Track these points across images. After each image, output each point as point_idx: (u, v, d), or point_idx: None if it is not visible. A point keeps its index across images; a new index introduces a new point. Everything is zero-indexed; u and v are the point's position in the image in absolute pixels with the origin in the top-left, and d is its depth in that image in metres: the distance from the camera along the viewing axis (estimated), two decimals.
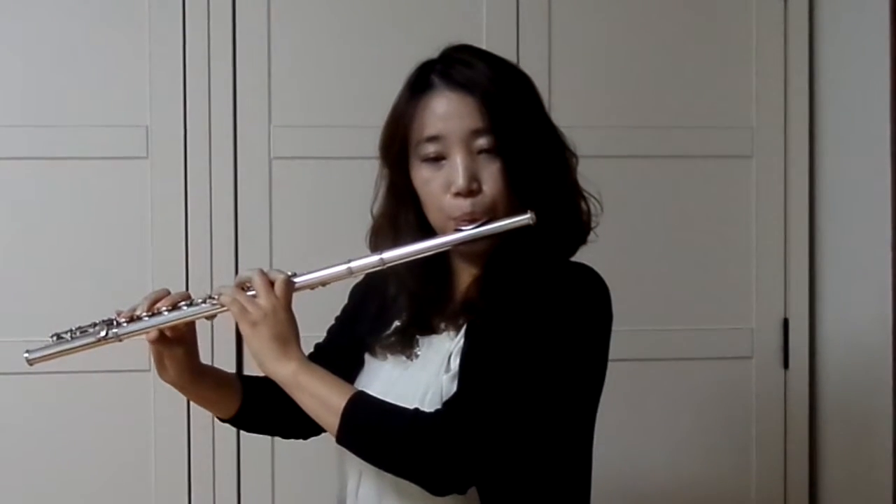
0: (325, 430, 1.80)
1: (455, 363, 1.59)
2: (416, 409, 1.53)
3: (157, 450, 2.60)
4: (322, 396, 1.54)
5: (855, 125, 2.67)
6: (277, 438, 2.49)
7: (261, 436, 2.48)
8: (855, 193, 2.67)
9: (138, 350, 2.49)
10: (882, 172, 2.50)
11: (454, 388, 1.55)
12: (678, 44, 2.77)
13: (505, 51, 2.59)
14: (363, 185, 2.52)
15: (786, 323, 2.79)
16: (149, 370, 2.56)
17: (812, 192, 2.80)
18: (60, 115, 2.58)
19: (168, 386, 2.51)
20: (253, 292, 1.57)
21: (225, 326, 2.52)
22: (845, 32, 2.71)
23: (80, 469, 2.59)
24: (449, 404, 1.52)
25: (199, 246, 2.59)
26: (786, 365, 2.79)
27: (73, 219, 2.59)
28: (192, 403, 2.53)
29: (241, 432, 2.56)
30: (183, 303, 1.62)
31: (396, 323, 1.72)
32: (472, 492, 1.56)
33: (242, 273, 1.62)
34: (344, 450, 1.63)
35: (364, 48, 2.67)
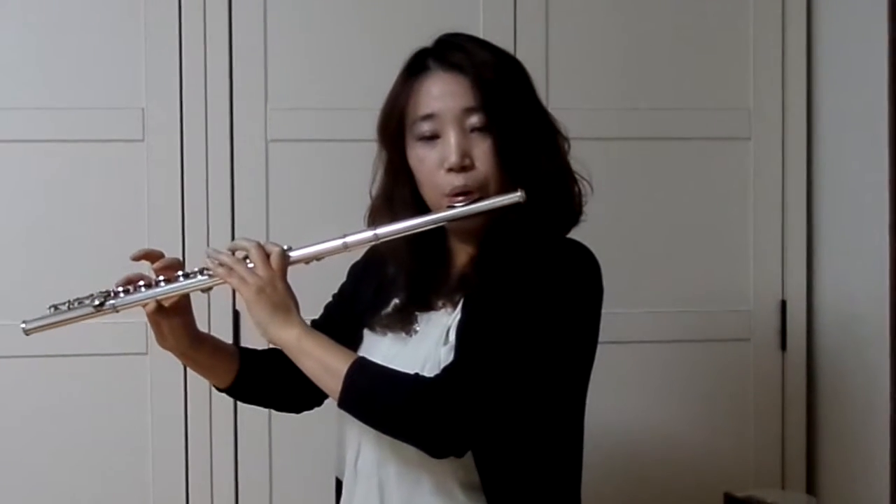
0: (317, 405, 1.89)
1: (453, 336, 1.63)
2: (417, 374, 1.59)
3: (154, 433, 2.60)
4: (325, 361, 1.60)
5: (852, 107, 2.66)
6: (275, 419, 2.53)
7: (258, 419, 2.51)
8: (852, 175, 2.67)
9: (135, 333, 2.52)
10: (879, 155, 2.50)
11: (452, 358, 1.59)
12: (675, 26, 2.76)
13: (502, 33, 2.60)
14: (360, 168, 2.52)
15: (783, 304, 2.79)
16: (146, 353, 2.57)
17: (809, 174, 2.79)
18: (56, 97, 2.57)
19: (164, 370, 2.55)
20: (251, 264, 1.62)
21: (223, 300, 2.53)
22: (843, 14, 2.70)
23: (76, 451, 2.58)
24: (448, 369, 1.57)
25: (195, 228, 2.59)
26: (783, 346, 2.79)
27: (68, 201, 2.58)
28: (188, 386, 2.58)
29: (239, 414, 2.59)
30: (179, 273, 1.66)
31: (395, 301, 1.76)
32: (468, 458, 1.60)
33: (238, 241, 1.67)
34: (343, 421, 1.71)
35: (360, 30, 2.66)
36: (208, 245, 2.57)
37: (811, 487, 2.81)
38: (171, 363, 2.51)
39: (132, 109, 2.58)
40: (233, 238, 2.59)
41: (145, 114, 2.59)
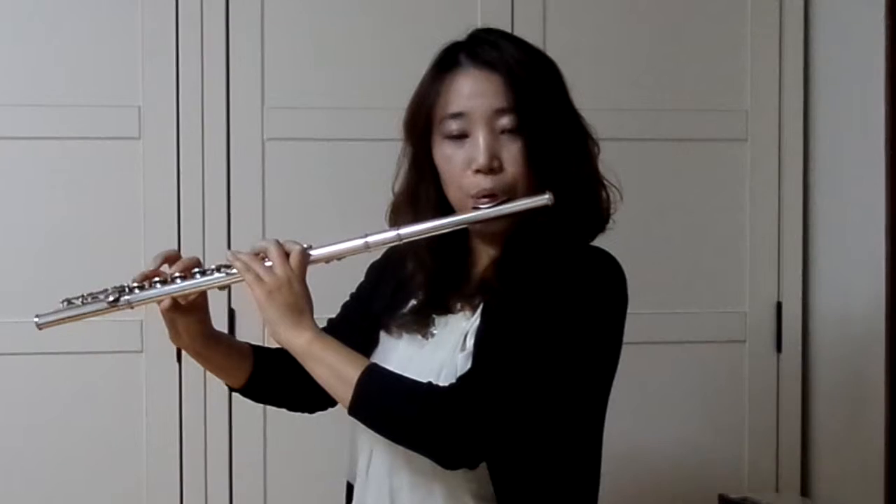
0: (331, 406, 1.82)
1: (471, 342, 1.59)
2: (430, 383, 1.54)
3: (149, 432, 2.59)
4: (336, 367, 1.55)
5: (849, 109, 2.67)
6: (270, 418, 2.52)
7: (253, 417, 2.51)
8: (849, 177, 2.67)
9: (131, 331, 2.51)
10: (876, 156, 2.51)
11: (469, 366, 1.55)
12: (672, 27, 2.76)
13: None
14: (357, 167, 2.52)
15: (779, 306, 2.79)
16: (141, 351, 2.57)
17: (806, 176, 2.80)
18: (52, 94, 2.56)
19: (160, 368, 2.54)
20: (269, 263, 1.57)
21: (219, 299, 2.52)
22: (840, 15, 2.71)
23: (71, 449, 2.57)
24: (463, 379, 1.53)
25: (191, 227, 2.58)
26: (779, 348, 2.79)
27: (64, 199, 2.57)
28: (183, 385, 2.57)
29: (234, 413, 2.58)
30: (195, 270, 1.62)
31: (413, 302, 1.72)
32: (482, 470, 1.56)
33: (258, 243, 1.62)
34: (355, 427, 1.65)
35: (358, 29, 2.65)
36: (204, 244, 2.57)
37: (805, 490, 2.81)
38: (166, 362, 2.53)
39: (128, 107, 2.57)
40: (228, 237, 2.59)
41: (142, 111, 2.58)
